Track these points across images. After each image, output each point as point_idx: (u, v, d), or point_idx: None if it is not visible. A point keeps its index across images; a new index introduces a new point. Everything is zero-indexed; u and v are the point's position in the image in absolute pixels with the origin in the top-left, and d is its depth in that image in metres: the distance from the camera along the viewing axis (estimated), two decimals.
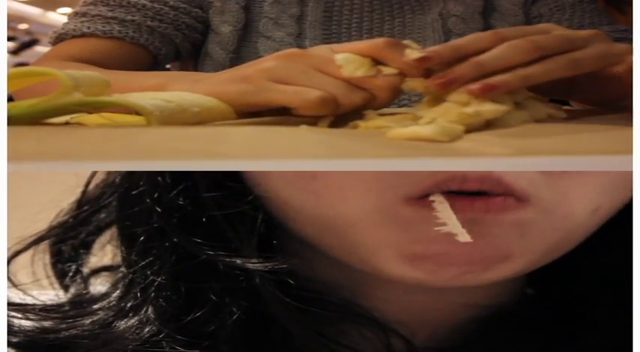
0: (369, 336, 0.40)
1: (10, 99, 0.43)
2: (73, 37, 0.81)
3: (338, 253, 0.38)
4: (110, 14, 0.81)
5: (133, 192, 0.43)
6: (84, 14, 0.82)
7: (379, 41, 0.48)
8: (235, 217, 0.40)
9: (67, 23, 0.82)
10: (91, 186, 0.47)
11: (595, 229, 0.39)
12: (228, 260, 0.39)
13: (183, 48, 0.84)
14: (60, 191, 0.47)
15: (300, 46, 0.83)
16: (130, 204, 0.43)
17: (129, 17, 0.81)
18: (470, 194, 0.35)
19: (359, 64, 0.47)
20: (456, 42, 0.48)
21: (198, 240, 0.40)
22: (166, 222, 0.41)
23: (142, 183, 0.42)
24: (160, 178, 0.41)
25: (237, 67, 0.54)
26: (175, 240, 0.41)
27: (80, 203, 0.48)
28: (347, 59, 0.47)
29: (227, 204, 0.40)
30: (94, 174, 0.47)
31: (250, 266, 0.39)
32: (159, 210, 0.41)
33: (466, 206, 0.35)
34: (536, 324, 0.41)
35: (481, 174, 0.35)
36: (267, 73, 0.48)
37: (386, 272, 0.37)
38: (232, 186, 0.40)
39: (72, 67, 0.72)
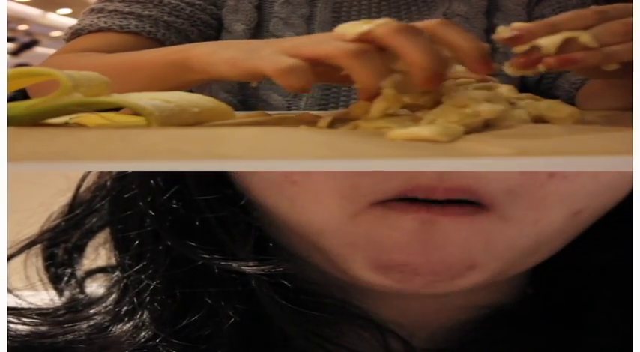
0: (367, 337, 0.39)
1: (10, 99, 0.43)
2: (90, 32, 0.81)
3: (315, 260, 0.38)
4: (127, 9, 0.81)
5: (126, 196, 0.42)
6: (100, 10, 0.82)
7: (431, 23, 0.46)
8: (229, 220, 0.40)
9: (83, 19, 0.83)
10: (82, 189, 0.47)
11: (577, 232, 0.38)
12: (223, 263, 0.39)
13: None
14: (50, 194, 0.47)
15: None
16: (123, 208, 0.43)
17: (146, 12, 0.81)
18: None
19: (360, 24, 0.46)
20: (553, 19, 0.47)
21: (193, 244, 0.40)
22: (160, 225, 0.41)
23: (134, 186, 0.42)
24: (152, 182, 0.41)
25: None
26: (169, 243, 0.41)
27: (72, 206, 0.47)
28: (346, 26, 0.46)
29: (220, 208, 0.40)
30: (84, 177, 0.47)
31: (246, 269, 0.39)
32: (152, 213, 0.41)
33: (422, 210, 0.34)
34: (536, 324, 0.41)
35: (452, 184, 0.34)
36: (276, 44, 0.48)
37: (359, 279, 0.37)
38: (225, 190, 0.40)
39: (92, 56, 0.72)
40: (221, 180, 0.40)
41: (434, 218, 0.34)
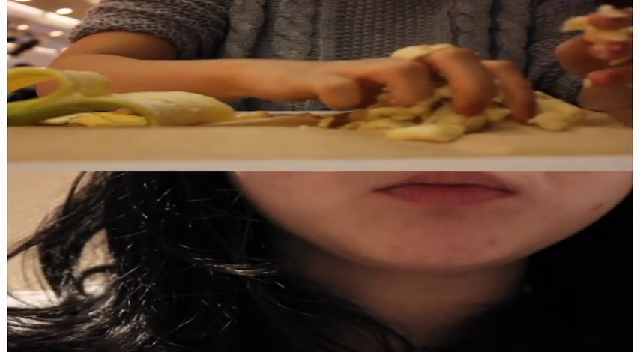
0: (367, 336, 0.39)
1: (10, 99, 0.43)
2: (99, 31, 0.81)
3: (323, 245, 0.38)
4: (138, 9, 0.81)
5: (120, 198, 0.42)
6: (109, 9, 0.82)
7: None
8: (223, 222, 0.40)
9: (91, 18, 0.82)
10: (77, 190, 0.47)
11: (592, 222, 0.39)
12: (217, 266, 0.39)
13: (206, 44, 0.85)
14: (46, 196, 0.47)
15: (313, 45, 0.85)
16: (117, 210, 0.43)
17: (157, 12, 0.81)
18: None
19: (417, 48, 0.46)
20: None
21: (186, 247, 0.40)
22: (153, 228, 0.41)
23: (127, 189, 0.42)
24: (145, 184, 0.41)
25: None
26: (163, 246, 0.41)
27: (67, 208, 0.47)
28: (403, 51, 0.46)
29: (214, 210, 0.40)
30: (79, 178, 0.47)
31: (240, 271, 0.39)
32: (145, 216, 0.41)
33: (437, 197, 0.35)
34: (534, 322, 0.41)
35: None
36: (327, 65, 0.48)
37: (373, 260, 0.36)
38: (219, 191, 0.40)
39: (115, 61, 0.72)
40: (218, 180, 0.40)
41: (450, 207, 0.35)
